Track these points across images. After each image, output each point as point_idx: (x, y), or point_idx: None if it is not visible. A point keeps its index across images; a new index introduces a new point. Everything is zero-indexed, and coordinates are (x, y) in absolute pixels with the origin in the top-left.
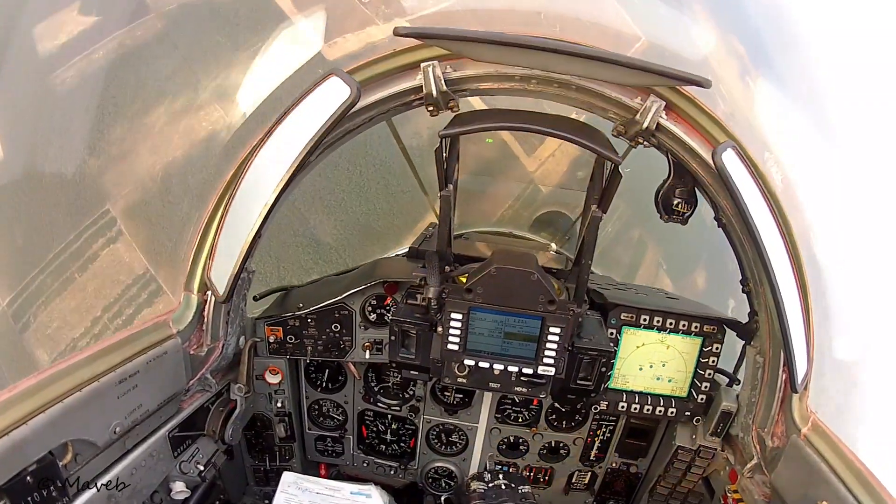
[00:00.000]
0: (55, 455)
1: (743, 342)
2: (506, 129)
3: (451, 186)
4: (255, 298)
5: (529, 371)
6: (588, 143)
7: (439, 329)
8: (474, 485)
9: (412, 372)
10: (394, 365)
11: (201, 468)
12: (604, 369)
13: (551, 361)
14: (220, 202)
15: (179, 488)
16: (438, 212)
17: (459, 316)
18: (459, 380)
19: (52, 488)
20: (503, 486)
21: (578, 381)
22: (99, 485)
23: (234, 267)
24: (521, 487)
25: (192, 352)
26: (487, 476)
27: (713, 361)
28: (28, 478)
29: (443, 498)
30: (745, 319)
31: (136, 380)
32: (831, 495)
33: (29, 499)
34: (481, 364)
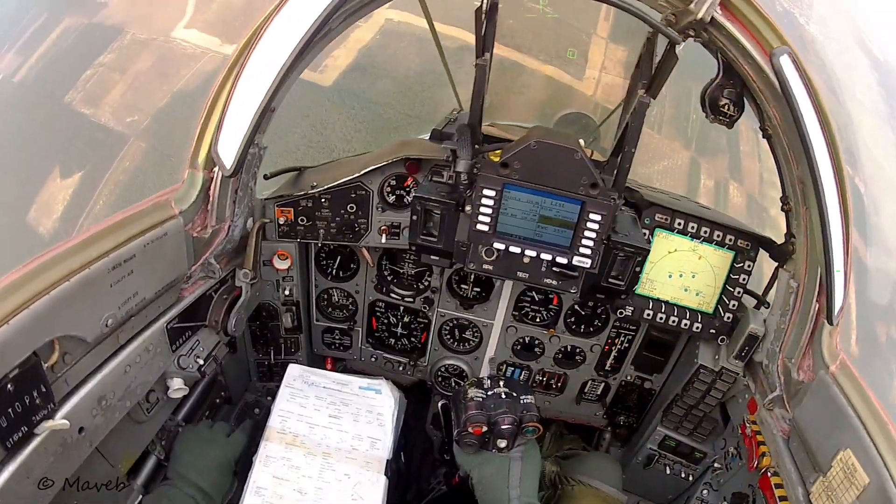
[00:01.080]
0: (39, 356)
1: (776, 265)
2: None
3: (487, 55)
4: (265, 177)
5: (563, 261)
6: (644, 15)
7: (467, 208)
8: (472, 392)
9: (433, 257)
10: (413, 250)
11: (201, 362)
12: (637, 269)
13: (588, 252)
14: (231, 72)
15: (177, 385)
16: (474, 82)
17: (492, 193)
18: (486, 266)
19: (35, 394)
20: (503, 395)
21: (610, 280)
22: (88, 387)
23: (244, 139)
24: (524, 397)
25: (195, 234)
26: (487, 382)
27: (744, 279)
28: (8, 385)
29: (440, 404)
30: (779, 240)
31: (132, 265)
32: (855, 442)
33: (10, 410)
34: (512, 249)
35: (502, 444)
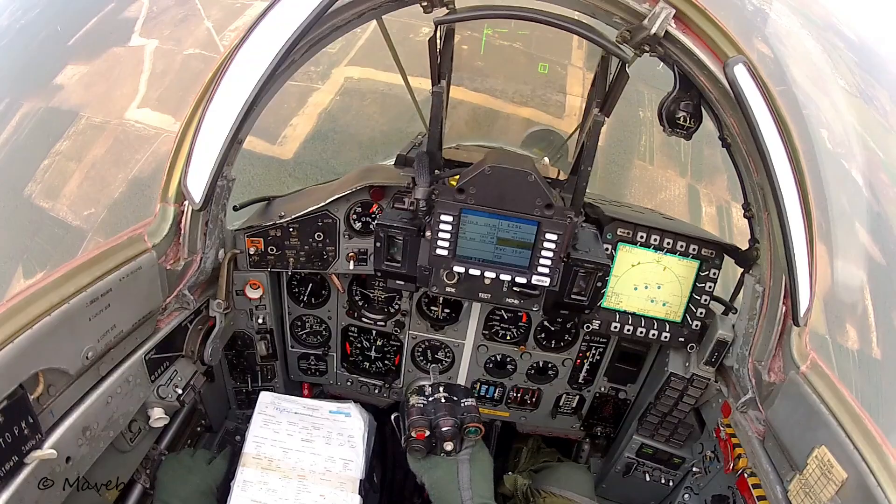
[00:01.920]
0: (25, 388)
1: (741, 270)
2: (507, 17)
3: (443, 82)
4: (234, 209)
5: (522, 280)
6: (596, 37)
7: (427, 233)
8: (413, 399)
9: (398, 281)
10: (379, 275)
11: (180, 391)
12: (599, 284)
13: (546, 271)
14: (198, 106)
15: (158, 415)
16: (431, 108)
17: (450, 218)
18: (448, 289)
19: (23, 425)
20: (443, 400)
21: (573, 296)
22: (73, 417)
23: (211, 172)
24: (464, 400)
25: (168, 266)
26: (428, 389)
27: (710, 287)
28: None
29: (392, 416)
30: (743, 246)
31: (109, 298)
32: (830, 438)
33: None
34: (472, 272)
35: (448, 447)
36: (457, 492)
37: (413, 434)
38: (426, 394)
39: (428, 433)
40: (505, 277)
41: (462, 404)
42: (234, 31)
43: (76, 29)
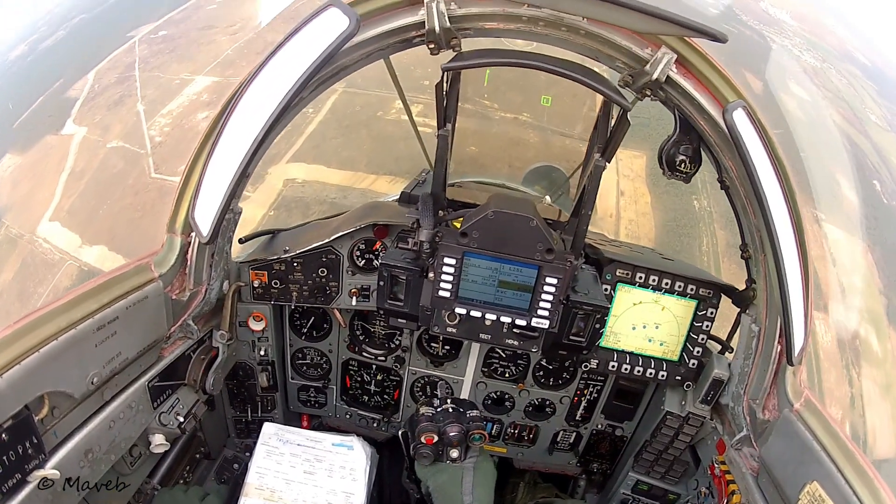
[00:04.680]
0: (31, 409)
1: (738, 310)
2: (513, 65)
3: (449, 126)
4: (240, 241)
5: (522, 322)
6: (598, 85)
7: (430, 275)
8: (423, 409)
9: (400, 320)
10: (381, 312)
11: (181, 419)
12: (598, 326)
13: (546, 313)
14: (208, 139)
15: (159, 441)
16: (436, 151)
17: (453, 261)
18: (449, 329)
19: (27, 444)
20: (450, 410)
21: (571, 337)
22: (76, 440)
23: (219, 206)
24: (470, 412)
25: (173, 296)
26: (437, 401)
27: (707, 326)
28: (3, 435)
29: (400, 432)
30: (740, 286)
31: (115, 326)
32: (822, 475)
33: (4, 458)
34: (473, 313)
35: (454, 454)
36: (459, 496)
37: (422, 440)
38: (435, 405)
39: (436, 439)
40: (505, 319)
41: (468, 414)
42: (166, 115)
43: (25, 108)
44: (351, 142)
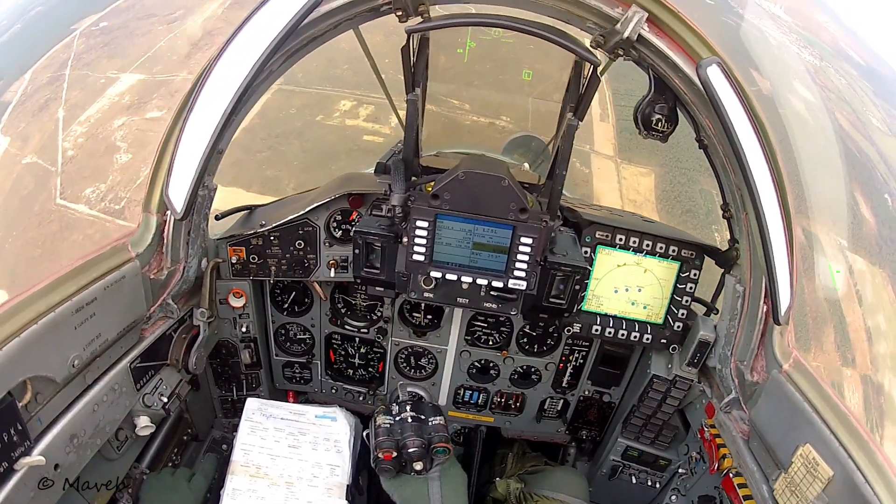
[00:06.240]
0: (14, 396)
1: (722, 271)
2: (478, 24)
3: (418, 90)
4: (216, 218)
5: (499, 284)
6: (567, 43)
7: (405, 240)
8: (380, 419)
9: (377, 288)
10: (359, 281)
11: (165, 400)
12: (577, 287)
13: (522, 275)
14: (179, 117)
15: (144, 423)
16: (406, 116)
17: (425, 224)
18: (426, 294)
19: (12, 432)
20: (409, 420)
21: (551, 299)
22: (60, 425)
23: (192, 182)
24: (433, 419)
25: (151, 276)
26: (395, 408)
27: (690, 288)
28: None
29: (364, 433)
30: (723, 247)
31: (94, 307)
32: (814, 436)
33: None
34: (448, 276)
35: (418, 466)
36: None
37: (380, 455)
38: (393, 413)
39: (395, 454)
40: (482, 282)
41: (430, 423)
42: (83, 123)
43: None
44: (279, 157)
